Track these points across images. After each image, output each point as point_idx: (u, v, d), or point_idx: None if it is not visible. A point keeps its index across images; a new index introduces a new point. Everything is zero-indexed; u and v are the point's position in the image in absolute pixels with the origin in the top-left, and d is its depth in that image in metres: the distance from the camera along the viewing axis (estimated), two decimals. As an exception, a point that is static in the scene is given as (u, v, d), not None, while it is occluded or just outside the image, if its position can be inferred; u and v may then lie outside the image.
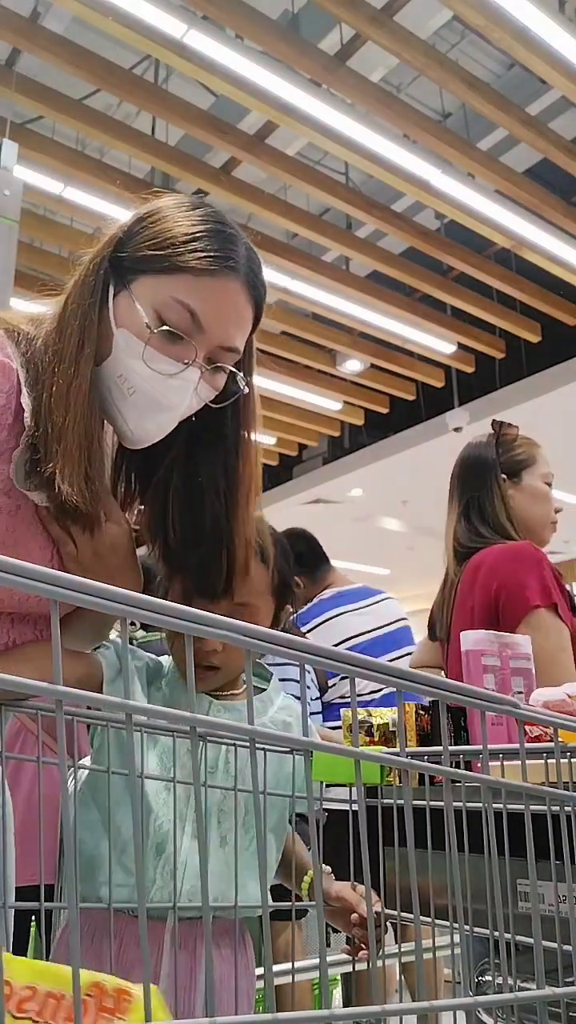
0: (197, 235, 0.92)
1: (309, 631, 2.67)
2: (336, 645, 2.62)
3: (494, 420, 1.91)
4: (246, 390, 0.99)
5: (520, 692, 1.27)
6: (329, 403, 8.16)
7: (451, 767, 1.03)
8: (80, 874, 0.98)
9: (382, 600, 2.83)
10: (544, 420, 6.37)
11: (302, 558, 2.84)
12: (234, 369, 0.97)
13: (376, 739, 1.22)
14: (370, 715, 1.25)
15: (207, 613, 0.39)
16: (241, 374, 0.97)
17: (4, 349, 0.92)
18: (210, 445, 1.01)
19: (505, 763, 0.81)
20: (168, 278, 0.92)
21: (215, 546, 1.00)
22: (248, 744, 0.40)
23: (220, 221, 0.96)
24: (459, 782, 0.74)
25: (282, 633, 0.39)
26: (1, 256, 3.17)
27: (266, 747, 0.93)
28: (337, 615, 2.72)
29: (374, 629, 2.70)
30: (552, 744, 0.86)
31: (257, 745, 0.40)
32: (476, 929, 0.67)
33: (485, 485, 1.81)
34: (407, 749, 1.04)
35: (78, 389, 0.90)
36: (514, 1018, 0.67)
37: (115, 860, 0.97)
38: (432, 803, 0.81)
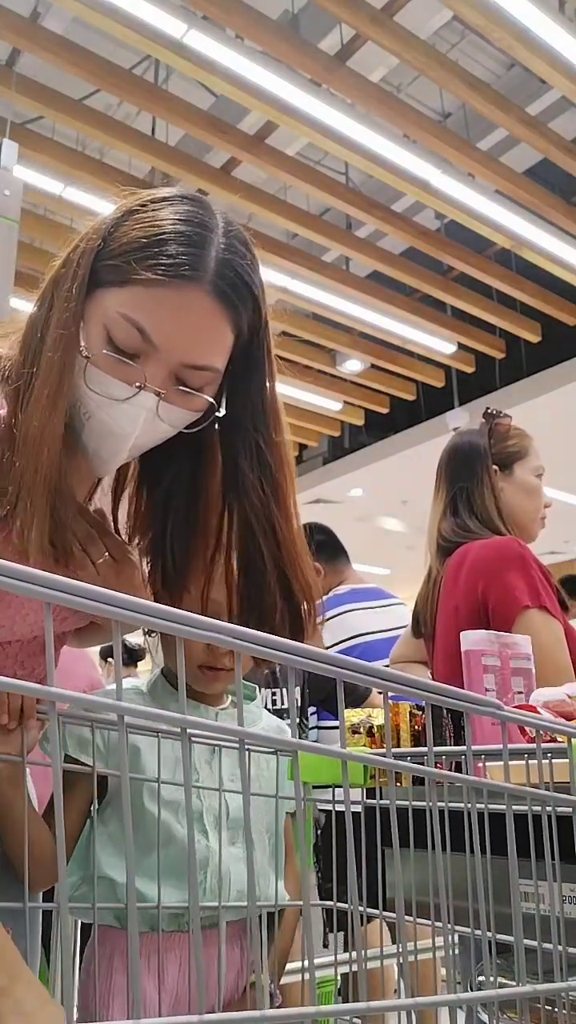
0: (154, 239, 0.81)
1: (320, 623, 2.71)
2: (342, 641, 2.71)
3: (487, 409, 1.86)
4: (222, 412, 0.88)
5: (520, 692, 1.27)
6: (329, 403, 8.16)
7: (450, 769, 1.03)
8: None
9: (393, 604, 2.90)
10: (544, 420, 6.37)
11: (322, 546, 2.89)
12: (208, 398, 0.85)
13: (377, 739, 1.22)
14: (371, 716, 1.26)
15: (195, 615, 0.39)
16: (213, 402, 0.86)
17: None
18: (229, 477, 0.92)
19: (510, 764, 0.81)
20: (119, 291, 0.81)
21: (255, 576, 0.91)
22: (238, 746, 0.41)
23: (188, 220, 0.83)
24: (442, 782, 0.75)
25: (269, 635, 0.40)
26: (1, 256, 3.17)
27: (253, 748, 0.94)
28: (348, 611, 2.79)
29: (380, 631, 2.75)
30: (547, 745, 0.86)
31: (246, 746, 0.40)
32: (464, 929, 0.67)
33: (475, 476, 1.76)
34: (398, 750, 1.05)
35: (52, 434, 0.80)
36: (504, 1015, 0.68)
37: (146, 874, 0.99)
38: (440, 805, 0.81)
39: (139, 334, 0.80)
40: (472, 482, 1.77)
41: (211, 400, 0.86)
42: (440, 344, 7.31)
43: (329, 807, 1.21)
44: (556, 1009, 0.65)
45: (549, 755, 0.66)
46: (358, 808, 1.03)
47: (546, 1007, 0.63)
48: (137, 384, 0.81)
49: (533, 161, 6.41)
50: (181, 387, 0.83)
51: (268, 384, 0.92)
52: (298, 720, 2.34)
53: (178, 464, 0.95)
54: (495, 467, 1.79)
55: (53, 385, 0.80)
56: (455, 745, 1.15)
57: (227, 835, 1.05)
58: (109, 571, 0.89)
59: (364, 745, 1.23)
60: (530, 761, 0.78)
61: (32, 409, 0.80)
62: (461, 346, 7.51)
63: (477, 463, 1.78)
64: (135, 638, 3.96)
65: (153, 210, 0.84)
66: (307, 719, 2.44)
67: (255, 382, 0.91)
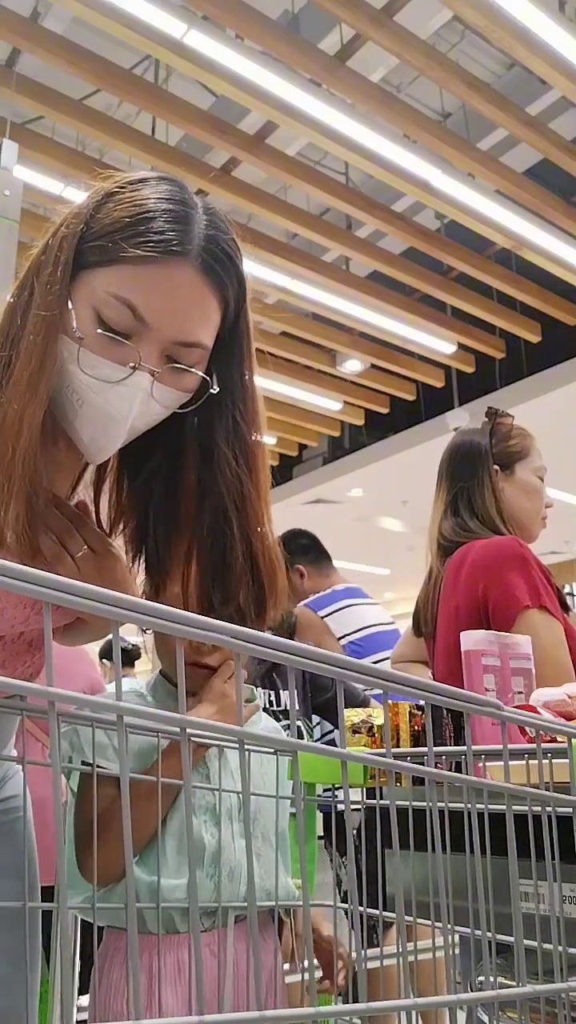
0: (139, 218, 0.81)
1: (327, 616, 2.80)
2: (359, 630, 2.80)
3: (489, 408, 1.85)
4: (216, 389, 0.87)
5: (520, 692, 1.27)
6: (329, 403, 8.16)
7: (450, 769, 1.04)
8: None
9: (376, 603, 3.03)
10: (545, 420, 6.37)
11: (306, 549, 2.99)
12: (200, 373, 0.85)
13: (378, 739, 1.22)
14: (371, 716, 1.25)
15: (195, 615, 0.39)
16: (207, 376, 0.86)
17: None
18: (204, 450, 0.91)
19: (511, 764, 0.81)
20: (106, 271, 0.80)
21: (222, 551, 0.90)
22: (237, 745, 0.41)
23: (170, 198, 0.83)
24: (442, 783, 0.75)
25: (270, 636, 0.40)
26: (1, 256, 3.17)
27: (253, 749, 0.94)
28: (352, 605, 2.89)
29: (381, 623, 2.86)
30: (547, 745, 0.86)
31: (245, 746, 0.40)
32: (464, 929, 0.67)
33: (476, 476, 1.76)
34: (398, 750, 1.05)
35: (32, 416, 0.78)
36: (504, 1015, 0.68)
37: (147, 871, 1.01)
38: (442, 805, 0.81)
39: (130, 312, 0.79)
40: (473, 482, 1.76)
41: (205, 376, 0.85)
42: (440, 344, 7.31)
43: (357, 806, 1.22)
44: (557, 1009, 0.65)
45: (549, 755, 0.65)
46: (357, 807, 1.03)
47: (546, 1007, 0.63)
48: (131, 364, 0.80)
49: (533, 161, 6.41)
50: (174, 365, 0.83)
51: (248, 368, 0.92)
52: (299, 721, 2.35)
53: (159, 453, 0.94)
54: (496, 467, 1.78)
55: (35, 367, 0.79)
56: (456, 745, 1.15)
57: (238, 827, 1.06)
58: (89, 565, 0.87)
59: (365, 745, 1.23)
60: (530, 761, 0.78)
61: (11, 393, 0.79)
62: (461, 346, 7.50)
63: (478, 463, 1.78)
64: (132, 637, 3.96)
65: (133, 191, 0.83)
66: (310, 719, 2.46)
67: (235, 361, 0.90)
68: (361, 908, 1.06)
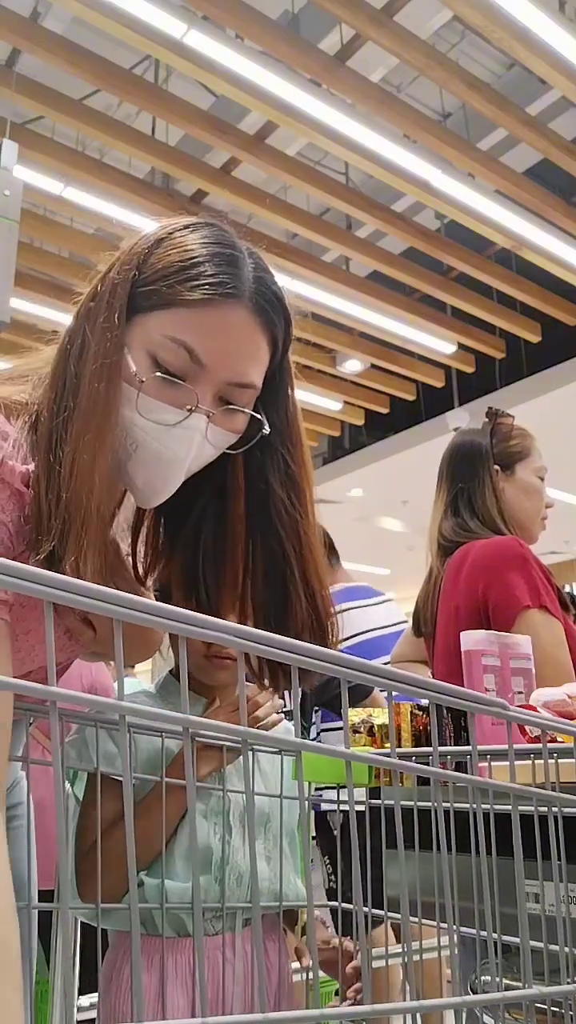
0: (191, 262, 0.81)
1: None
2: (348, 638, 2.74)
3: (489, 408, 1.85)
4: (267, 430, 0.86)
5: (520, 692, 1.27)
6: (329, 403, 8.16)
7: (451, 768, 1.03)
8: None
9: (384, 601, 2.97)
10: (544, 420, 6.37)
11: None
12: (253, 413, 0.85)
13: (378, 739, 1.22)
14: (371, 715, 1.25)
15: (199, 614, 0.39)
16: (257, 416, 0.86)
17: (5, 432, 0.78)
18: (257, 493, 0.91)
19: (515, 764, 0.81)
20: (161, 314, 0.80)
21: (283, 592, 0.90)
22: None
23: (219, 242, 0.84)
24: (447, 783, 0.74)
25: (273, 635, 0.39)
26: (1, 256, 3.16)
27: (258, 748, 0.94)
28: (347, 609, 2.83)
29: (381, 627, 2.83)
30: (550, 745, 0.86)
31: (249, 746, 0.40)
32: (469, 930, 0.67)
33: (476, 476, 1.75)
34: (400, 750, 1.05)
35: (104, 468, 0.77)
36: (509, 1017, 0.67)
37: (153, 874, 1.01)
38: (444, 805, 0.81)
39: (187, 354, 0.80)
40: (473, 482, 1.76)
41: (255, 415, 0.86)
42: (440, 344, 7.31)
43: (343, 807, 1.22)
44: (563, 1011, 0.65)
45: (555, 755, 0.65)
46: (361, 808, 1.03)
47: (552, 1008, 0.62)
48: (188, 407, 0.80)
49: (533, 161, 6.41)
50: (227, 406, 0.83)
51: (292, 405, 0.92)
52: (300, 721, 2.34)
53: (206, 495, 0.93)
54: (497, 467, 1.78)
55: (100, 416, 0.77)
56: (456, 745, 1.15)
57: (246, 831, 1.06)
58: None
59: (365, 745, 1.23)
60: (535, 761, 0.78)
61: (77, 443, 0.76)
62: (461, 346, 7.50)
63: (479, 463, 1.77)
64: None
65: (181, 236, 0.84)
66: (308, 720, 2.45)
67: (281, 400, 0.90)
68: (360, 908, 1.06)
